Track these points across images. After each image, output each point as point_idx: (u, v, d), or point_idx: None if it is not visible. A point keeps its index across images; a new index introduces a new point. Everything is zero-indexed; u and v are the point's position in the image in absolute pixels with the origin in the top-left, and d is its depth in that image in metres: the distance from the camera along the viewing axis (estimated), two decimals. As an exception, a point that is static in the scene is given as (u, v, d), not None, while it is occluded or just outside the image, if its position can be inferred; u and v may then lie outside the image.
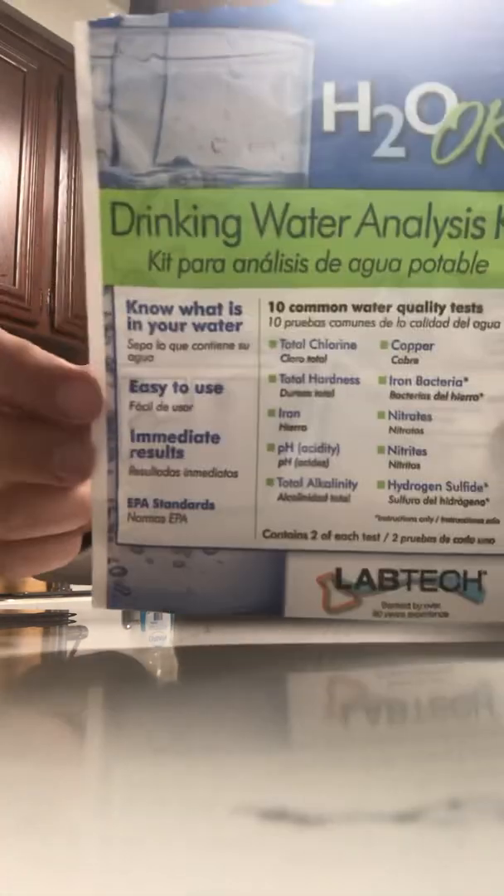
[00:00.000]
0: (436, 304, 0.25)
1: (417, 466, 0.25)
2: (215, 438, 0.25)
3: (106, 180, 0.25)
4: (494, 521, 0.25)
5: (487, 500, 0.25)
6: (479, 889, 0.08)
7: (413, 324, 0.25)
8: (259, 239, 0.25)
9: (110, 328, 0.26)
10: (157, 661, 0.28)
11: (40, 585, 2.17)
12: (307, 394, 0.25)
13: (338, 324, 0.25)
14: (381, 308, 0.25)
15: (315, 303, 0.25)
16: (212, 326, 0.25)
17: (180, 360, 0.25)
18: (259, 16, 0.23)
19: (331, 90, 0.23)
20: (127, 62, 0.24)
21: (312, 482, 0.25)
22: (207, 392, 0.25)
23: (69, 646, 0.35)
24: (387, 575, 0.25)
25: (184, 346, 0.25)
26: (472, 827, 0.09)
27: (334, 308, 0.25)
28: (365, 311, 0.25)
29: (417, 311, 0.25)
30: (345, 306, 0.25)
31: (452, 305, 0.24)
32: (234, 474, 0.25)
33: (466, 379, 0.25)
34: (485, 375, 0.25)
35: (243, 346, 0.25)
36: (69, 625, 0.51)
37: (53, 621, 0.56)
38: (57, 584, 2.15)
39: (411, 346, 0.25)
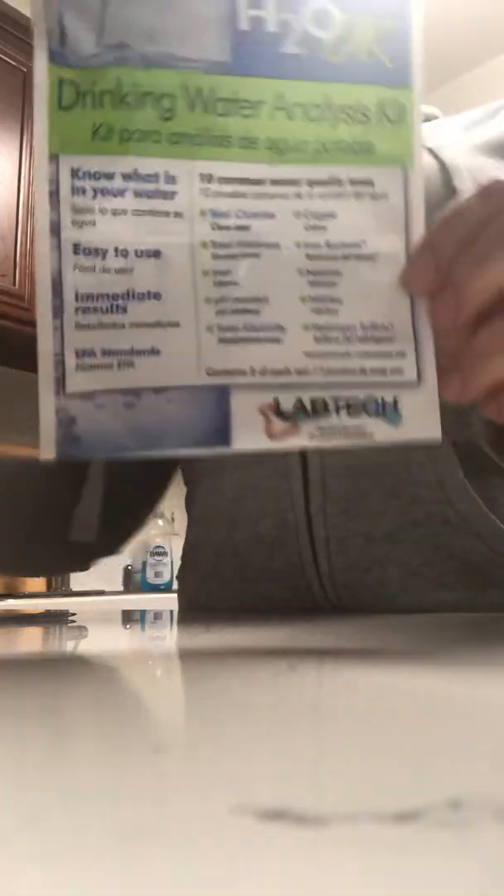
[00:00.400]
0: (338, 179, 0.29)
1: (336, 312, 0.29)
2: (156, 296, 0.28)
3: (55, 58, 0.28)
4: (401, 354, 0.29)
5: (394, 337, 0.29)
6: (479, 889, 0.08)
7: (320, 196, 0.29)
8: (190, 115, 0.29)
9: (55, 194, 0.28)
10: (156, 660, 0.28)
11: (40, 585, 2.17)
12: (235, 256, 0.29)
13: (258, 196, 0.29)
14: (293, 182, 0.29)
15: (239, 176, 0.29)
16: (149, 194, 0.28)
17: (121, 227, 0.28)
18: None
19: (245, 3, 0.29)
20: None
21: (247, 327, 0.29)
22: (147, 257, 0.28)
23: (69, 645, 0.36)
24: (318, 403, 0.29)
25: (124, 212, 0.28)
26: (472, 827, 0.09)
27: (255, 182, 0.29)
28: (281, 185, 0.29)
29: (323, 185, 0.29)
30: (263, 180, 0.29)
31: (350, 180, 0.29)
32: (177, 324, 0.28)
33: (365, 242, 0.29)
34: (378, 238, 0.29)
35: (178, 215, 0.28)
36: (69, 625, 0.51)
37: (53, 621, 0.56)
38: (57, 583, 2.15)
39: (319, 215, 0.29)
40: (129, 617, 0.61)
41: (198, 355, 0.28)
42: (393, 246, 0.29)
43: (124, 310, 0.28)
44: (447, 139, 0.59)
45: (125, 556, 2.39)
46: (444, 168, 0.53)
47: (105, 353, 0.28)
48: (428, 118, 0.68)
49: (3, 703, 0.20)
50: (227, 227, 0.29)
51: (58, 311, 0.28)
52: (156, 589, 2.22)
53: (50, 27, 0.28)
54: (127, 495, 0.62)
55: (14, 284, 1.98)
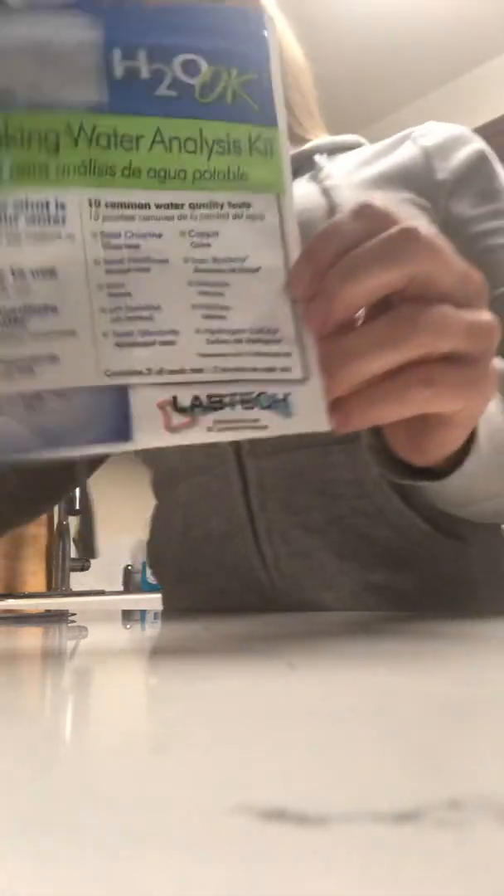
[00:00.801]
0: (217, 203, 0.33)
1: (225, 318, 0.31)
2: (53, 309, 0.30)
3: None
4: (288, 354, 0.31)
5: (281, 339, 0.32)
6: (479, 889, 0.08)
7: (202, 217, 0.32)
8: (75, 149, 0.31)
9: None
10: (156, 660, 0.28)
11: (40, 585, 2.17)
12: (127, 271, 0.31)
13: (145, 218, 0.32)
14: (176, 206, 0.32)
15: (125, 201, 0.32)
16: (41, 219, 0.31)
17: (15, 250, 0.30)
18: (69, 9, 0.32)
19: (119, 56, 0.32)
20: None
21: (142, 332, 0.31)
22: (42, 276, 0.30)
23: (69, 645, 0.36)
24: (214, 398, 0.31)
25: (17, 236, 0.30)
26: (472, 827, 0.09)
27: (140, 206, 0.32)
28: (165, 209, 0.32)
29: (204, 208, 0.32)
30: (148, 205, 0.32)
31: (229, 203, 0.33)
32: (73, 333, 0.30)
33: (248, 256, 0.32)
34: (259, 253, 0.32)
35: (70, 237, 0.31)
36: (69, 624, 0.51)
37: (53, 621, 0.56)
38: (57, 583, 2.15)
39: (203, 234, 0.32)
40: (129, 617, 0.61)
41: (96, 359, 0.30)
42: (273, 260, 0.32)
43: (22, 323, 0.30)
44: (343, 176, 0.65)
45: (125, 557, 2.39)
46: (332, 209, 0.59)
47: (3, 362, 0.29)
48: (352, 146, 0.74)
49: (3, 703, 0.20)
50: (118, 247, 0.31)
51: None
52: (156, 589, 2.22)
53: None
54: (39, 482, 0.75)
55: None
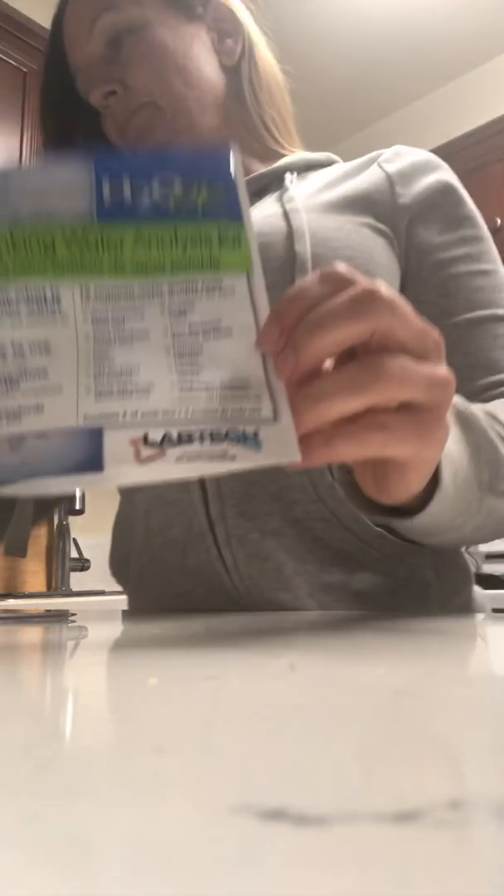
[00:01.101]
0: (193, 284, 0.37)
1: (198, 374, 0.35)
2: (44, 373, 0.34)
3: None
4: (258, 397, 0.34)
5: (250, 389, 0.35)
6: (479, 889, 0.08)
7: (178, 293, 0.37)
8: (68, 250, 0.37)
9: None
10: (156, 660, 0.28)
11: (41, 585, 2.17)
12: (112, 342, 0.35)
13: (129, 300, 0.36)
14: (157, 290, 0.37)
15: (112, 289, 0.37)
16: (38, 304, 0.36)
17: (16, 331, 0.35)
18: (67, 161, 0.40)
19: (107, 184, 0.39)
20: None
21: (120, 388, 0.34)
22: (37, 348, 0.35)
23: (69, 645, 0.36)
24: (184, 434, 0.33)
25: (19, 318, 0.35)
26: (472, 827, 0.09)
27: (125, 292, 0.37)
28: (147, 292, 0.37)
29: (180, 289, 0.37)
30: (132, 290, 0.37)
31: (203, 283, 0.37)
32: (59, 389, 0.34)
33: (220, 319, 0.36)
34: (231, 317, 0.36)
35: (63, 317, 0.36)
36: (69, 624, 0.51)
37: (53, 621, 0.56)
38: (57, 583, 2.15)
39: (180, 308, 0.36)
40: (128, 617, 0.61)
41: (76, 408, 0.34)
42: (244, 320, 0.36)
43: (17, 383, 0.34)
44: (304, 198, 0.68)
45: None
46: (290, 234, 0.62)
47: None
48: (325, 164, 0.76)
49: (3, 703, 0.20)
50: (105, 322, 0.36)
51: None
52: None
53: None
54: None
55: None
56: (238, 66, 0.74)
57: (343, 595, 0.59)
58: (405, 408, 0.33)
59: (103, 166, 0.40)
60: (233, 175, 0.41)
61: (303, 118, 0.82)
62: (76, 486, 0.32)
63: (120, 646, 0.35)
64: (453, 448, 0.43)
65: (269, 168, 0.73)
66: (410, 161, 0.70)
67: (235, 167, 0.41)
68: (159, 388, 0.35)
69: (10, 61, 2.12)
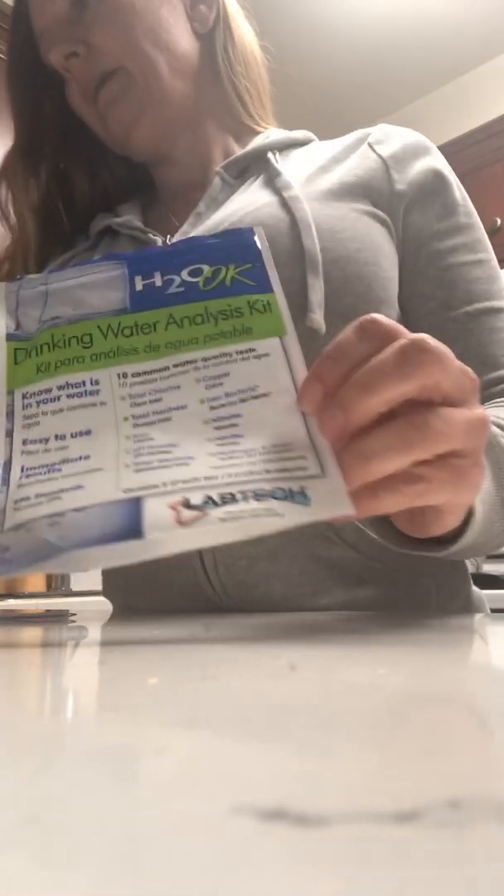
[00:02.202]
0: (227, 353, 0.38)
1: (238, 443, 0.35)
2: (86, 457, 0.35)
3: (10, 337, 0.42)
4: (302, 457, 0.34)
5: (293, 449, 0.34)
6: (479, 889, 0.08)
7: (213, 364, 0.38)
8: (104, 341, 0.40)
9: (10, 413, 0.39)
10: (156, 660, 0.28)
11: (41, 585, 2.17)
12: (152, 422, 0.36)
13: (165, 377, 0.38)
14: (191, 362, 0.38)
15: (148, 370, 0.38)
16: (79, 394, 0.38)
17: (58, 421, 0.37)
18: (101, 262, 0.44)
19: (139, 278, 0.42)
20: (26, 286, 0.44)
21: (160, 461, 0.34)
22: (80, 436, 0.36)
23: (69, 645, 0.35)
24: (227, 495, 0.32)
25: (60, 410, 0.37)
26: (472, 827, 0.09)
27: (161, 370, 0.38)
28: (181, 366, 0.38)
29: (216, 359, 0.38)
30: (167, 367, 0.38)
31: (237, 352, 0.38)
32: (100, 469, 0.34)
33: (257, 385, 0.37)
34: (268, 381, 0.37)
35: (102, 404, 0.37)
36: (69, 624, 0.51)
37: (53, 621, 0.56)
38: (57, 583, 2.15)
39: (215, 378, 0.37)
40: (128, 617, 0.61)
41: (116, 483, 0.33)
42: (282, 383, 0.37)
43: (59, 469, 0.35)
44: (301, 184, 0.65)
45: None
46: (294, 225, 0.60)
47: (38, 496, 0.34)
48: (303, 143, 0.73)
49: (3, 703, 0.20)
50: (143, 403, 0.37)
51: (4, 481, 0.35)
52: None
53: (9, 321, 0.42)
54: None
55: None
56: (212, 34, 0.71)
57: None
58: (443, 456, 0.33)
59: (135, 264, 0.43)
60: (261, 254, 0.42)
61: (302, 118, 0.81)
62: (117, 556, 0.30)
63: (120, 646, 0.35)
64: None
65: (249, 149, 0.70)
66: (402, 144, 0.68)
67: (262, 245, 0.42)
68: (199, 459, 0.34)
69: (4, 57, 2.12)
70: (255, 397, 0.36)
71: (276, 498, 0.32)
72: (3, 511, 0.34)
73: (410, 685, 0.22)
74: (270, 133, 0.73)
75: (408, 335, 0.33)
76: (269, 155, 0.69)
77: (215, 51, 0.71)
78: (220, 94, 0.73)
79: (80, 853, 0.09)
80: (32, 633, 0.45)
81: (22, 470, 0.36)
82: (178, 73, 0.69)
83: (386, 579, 0.58)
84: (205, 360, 0.38)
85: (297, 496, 0.32)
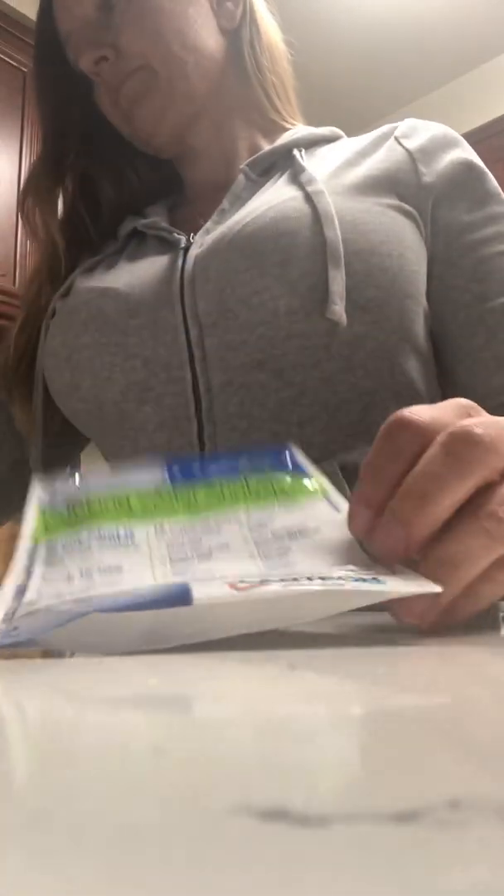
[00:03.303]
0: (269, 505, 0.38)
1: (291, 568, 0.33)
2: (114, 584, 0.32)
3: (42, 504, 0.39)
4: (367, 569, 0.32)
5: (355, 566, 0.32)
6: (479, 889, 0.08)
7: (255, 512, 0.37)
8: (141, 504, 0.38)
9: (31, 556, 0.35)
10: (155, 659, 0.28)
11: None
12: (189, 559, 0.34)
13: (206, 526, 0.36)
14: (233, 513, 0.37)
15: (187, 522, 0.37)
16: (111, 538, 0.35)
17: (84, 557, 0.34)
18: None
19: (177, 467, 0.41)
20: (61, 488, 0.41)
21: (204, 572, 0.33)
22: (107, 572, 0.33)
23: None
24: (288, 578, 0.30)
25: (88, 549, 0.35)
26: (472, 827, 0.09)
27: (201, 520, 0.37)
28: (222, 517, 0.37)
29: (258, 509, 0.37)
30: (208, 518, 0.37)
31: (279, 505, 0.38)
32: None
33: (304, 521, 0.36)
34: (314, 517, 0.36)
35: (137, 548, 0.35)
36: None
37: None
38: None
39: (259, 522, 0.36)
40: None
41: (153, 578, 0.32)
42: (328, 516, 0.36)
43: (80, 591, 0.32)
44: (325, 179, 0.64)
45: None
46: (317, 218, 0.59)
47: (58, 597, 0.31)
48: (330, 139, 0.72)
49: (2, 703, 0.20)
50: (181, 545, 0.35)
51: (15, 598, 0.32)
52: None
53: (42, 494, 0.40)
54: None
55: (14, 284, 1.98)
56: (238, 30, 0.71)
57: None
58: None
59: (173, 470, 0.42)
60: (300, 466, 0.42)
61: (302, 118, 0.81)
62: (161, 623, 0.28)
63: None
64: None
65: (274, 146, 0.70)
66: (429, 136, 0.67)
67: (302, 458, 0.42)
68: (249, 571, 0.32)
69: (10, 61, 2.12)
70: (304, 532, 0.35)
71: (342, 579, 0.30)
72: (13, 613, 0.31)
73: (410, 684, 0.22)
74: (297, 130, 0.73)
75: (447, 425, 0.31)
76: (295, 152, 0.68)
77: (242, 47, 0.71)
78: (247, 91, 0.72)
79: (80, 853, 0.09)
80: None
81: (38, 593, 0.32)
82: (204, 72, 0.69)
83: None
84: (247, 510, 0.37)
85: (369, 581, 0.29)
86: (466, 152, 0.68)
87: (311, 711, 0.18)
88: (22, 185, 0.75)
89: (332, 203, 0.60)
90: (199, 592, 0.28)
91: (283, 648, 0.29)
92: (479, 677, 0.24)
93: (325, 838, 0.09)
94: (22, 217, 0.75)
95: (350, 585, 0.29)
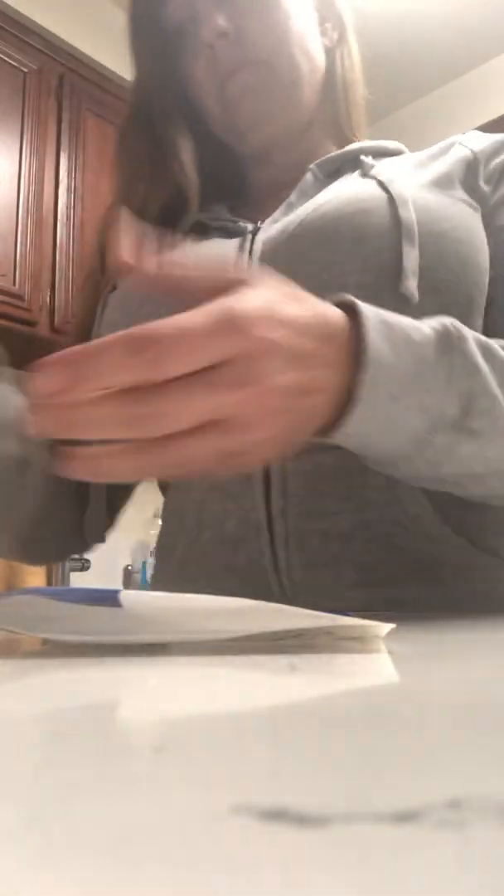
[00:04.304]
0: None
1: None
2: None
3: None
4: None
5: None
6: (479, 889, 0.08)
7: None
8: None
9: None
10: (155, 659, 0.28)
11: (40, 584, 2.16)
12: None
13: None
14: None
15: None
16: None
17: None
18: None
19: None
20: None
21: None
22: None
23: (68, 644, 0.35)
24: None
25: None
26: (472, 827, 0.09)
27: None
28: None
29: None
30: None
31: None
32: None
33: None
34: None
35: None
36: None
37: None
38: (57, 583, 2.15)
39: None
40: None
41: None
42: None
43: None
44: (398, 176, 0.65)
45: (125, 557, 2.39)
46: (392, 200, 0.59)
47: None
48: (395, 153, 0.74)
49: (2, 703, 0.20)
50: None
51: None
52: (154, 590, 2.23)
53: None
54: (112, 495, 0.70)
55: (14, 284, 1.98)
56: (334, 50, 0.73)
57: (411, 609, 0.53)
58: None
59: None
60: None
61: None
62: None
63: (119, 645, 0.34)
64: (407, 369, 0.39)
65: (343, 150, 0.70)
66: (492, 140, 0.68)
67: None
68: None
69: (10, 61, 2.12)
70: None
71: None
72: None
73: (411, 684, 0.22)
74: (364, 142, 0.74)
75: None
76: (362, 157, 0.69)
77: (335, 67, 0.73)
78: (333, 108, 0.74)
79: (80, 853, 0.09)
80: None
81: None
82: (312, 82, 0.70)
83: (462, 581, 0.55)
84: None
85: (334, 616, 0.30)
86: None
87: (311, 712, 0.18)
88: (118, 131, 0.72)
89: (405, 187, 0.60)
90: (127, 597, 0.30)
91: (283, 648, 0.29)
92: (479, 679, 0.24)
93: (325, 838, 0.09)
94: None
95: (292, 609, 0.30)
